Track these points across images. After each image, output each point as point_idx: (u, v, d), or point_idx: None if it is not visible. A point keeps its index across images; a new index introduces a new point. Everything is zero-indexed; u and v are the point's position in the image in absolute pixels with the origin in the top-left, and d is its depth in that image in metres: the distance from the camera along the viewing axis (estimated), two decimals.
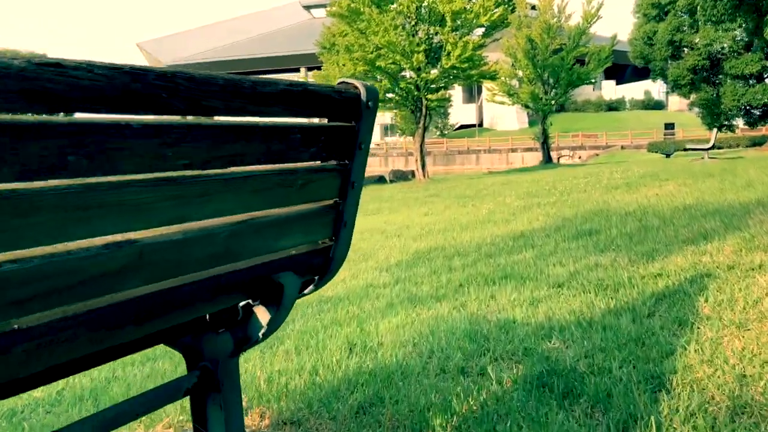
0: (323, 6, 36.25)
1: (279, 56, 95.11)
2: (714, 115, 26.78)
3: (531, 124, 70.80)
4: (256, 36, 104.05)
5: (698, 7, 20.45)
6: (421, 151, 18.96)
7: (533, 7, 30.66)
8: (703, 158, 17.56)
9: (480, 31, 18.01)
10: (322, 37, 17.79)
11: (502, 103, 29.64)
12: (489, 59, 21.68)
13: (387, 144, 69.72)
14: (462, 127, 76.97)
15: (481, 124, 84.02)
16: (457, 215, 9.51)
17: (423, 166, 19.10)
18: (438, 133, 65.11)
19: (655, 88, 66.94)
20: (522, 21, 28.39)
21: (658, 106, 70.23)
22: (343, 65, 17.44)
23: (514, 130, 76.22)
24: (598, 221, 6.57)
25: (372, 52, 17.34)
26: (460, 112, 75.41)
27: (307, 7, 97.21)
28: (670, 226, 5.67)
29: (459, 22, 16.68)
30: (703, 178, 10.21)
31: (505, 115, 70.29)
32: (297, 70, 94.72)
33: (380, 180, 24.69)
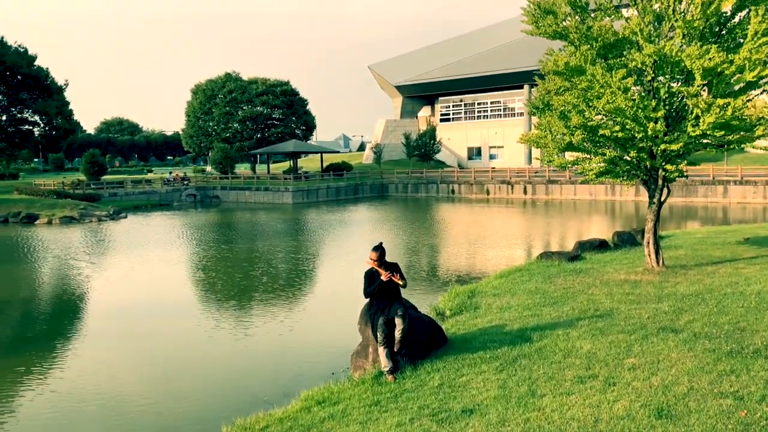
0: None
1: (503, 73, 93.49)
2: None
3: None
4: (479, 53, 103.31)
5: None
6: (655, 232, 15.22)
7: None
8: None
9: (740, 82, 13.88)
10: (538, 93, 15.07)
11: (766, 148, 23.83)
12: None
13: None
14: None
15: None
16: None
17: (657, 251, 15.34)
18: None
19: None
20: None
21: None
22: (557, 133, 14.50)
23: None
24: None
25: (591, 119, 14.18)
26: None
27: None
28: None
29: (712, 80, 12.84)
30: None
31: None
32: (521, 86, 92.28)
33: (601, 246, 20.99)
